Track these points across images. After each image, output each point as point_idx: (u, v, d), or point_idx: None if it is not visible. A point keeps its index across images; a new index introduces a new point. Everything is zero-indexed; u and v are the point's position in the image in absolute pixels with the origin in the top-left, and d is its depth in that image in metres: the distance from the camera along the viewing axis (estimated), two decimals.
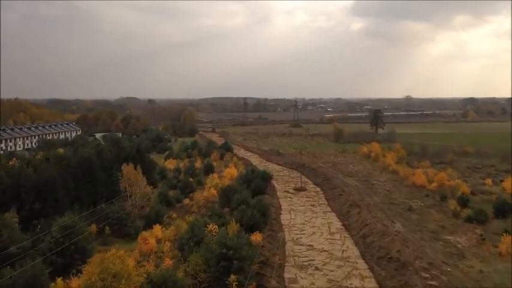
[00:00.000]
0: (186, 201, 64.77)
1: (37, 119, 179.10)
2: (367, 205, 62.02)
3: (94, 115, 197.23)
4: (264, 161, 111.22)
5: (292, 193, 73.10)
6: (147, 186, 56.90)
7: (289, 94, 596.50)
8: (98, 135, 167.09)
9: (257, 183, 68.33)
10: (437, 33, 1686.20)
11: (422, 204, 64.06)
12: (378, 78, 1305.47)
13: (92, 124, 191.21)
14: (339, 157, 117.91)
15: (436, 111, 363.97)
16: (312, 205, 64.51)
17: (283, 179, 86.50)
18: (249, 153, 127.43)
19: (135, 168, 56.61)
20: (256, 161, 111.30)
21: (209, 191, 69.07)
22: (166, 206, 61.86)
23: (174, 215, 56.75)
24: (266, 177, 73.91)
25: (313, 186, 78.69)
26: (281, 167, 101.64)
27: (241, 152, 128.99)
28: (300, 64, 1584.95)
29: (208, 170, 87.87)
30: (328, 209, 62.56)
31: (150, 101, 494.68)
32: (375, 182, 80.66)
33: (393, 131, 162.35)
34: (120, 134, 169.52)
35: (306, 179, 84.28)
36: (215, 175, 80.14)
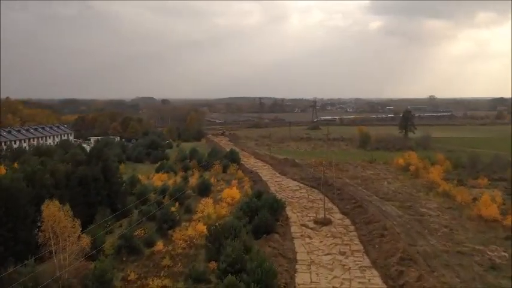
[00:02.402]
0: (160, 245, 45.19)
1: (29, 121, 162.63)
2: (425, 255, 41.74)
3: (92, 116, 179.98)
4: (277, 174, 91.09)
5: (312, 228, 52.88)
6: (85, 236, 37.23)
7: (307, 94, 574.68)
8: (93, 139, 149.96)
9: (263, 218, 48.46)
10: (458, 31, 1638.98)
11: (506, 254, 43.20)
12: (398, 78, 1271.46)
13: (89, 126, 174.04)
14: (368, 169, 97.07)
15: (467, 112, 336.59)
16: (342, 253, 44.22)
17: (300, 202, 66.30)
18: (260, 163, 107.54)
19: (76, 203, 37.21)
20: (267, 174, 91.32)
21: (196, 226, 49.54)
22: (131, 254, 42.69)
23: (132, 275, 37.27)
24: (277, 206, 53.84)
25: (341, 216, 58.27)
26: (297, 183, 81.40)
27: (250, 162, 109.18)
28: (317, 63, 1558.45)
29: (204, 190, 68.33)
30: (367, 261, 42.19)
31: (164, 101, 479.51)
32: (425, 211, 59.81)
33: (428, 136, 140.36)
34: (117, 138, 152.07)
35: (330, 204, 64.07)
36: (210, 199, 60.43)
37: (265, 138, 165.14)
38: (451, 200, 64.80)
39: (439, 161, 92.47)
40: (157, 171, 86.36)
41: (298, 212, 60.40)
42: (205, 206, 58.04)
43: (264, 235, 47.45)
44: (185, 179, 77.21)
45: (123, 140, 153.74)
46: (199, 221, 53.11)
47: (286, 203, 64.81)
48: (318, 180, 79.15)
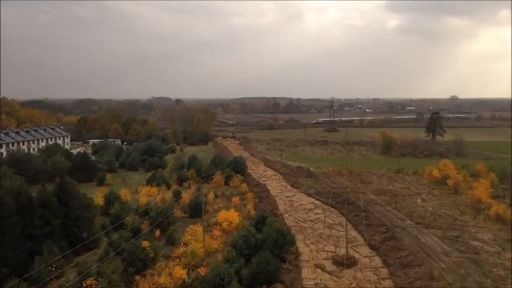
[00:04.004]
0: None
1: (26, 122, 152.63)
2: None
3: (94, 118, 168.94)
4: (288, 187, 77.63)
5: (330, 272, 39.40)
6: None
7: (324, 94, 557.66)
8: (92, 142, 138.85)
9: (263, 261, 35.22)
10: (479, 29, 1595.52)
11: None
12: (417, 77, 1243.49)
13: (90, 128, 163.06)
14: (396, 181, 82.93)
15: (495, 114, 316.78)
16: None
17: (314, 228, 52.78)
18: (270, 171, 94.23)
19: None
20: (277, 186, 77.99)
21: (173, 271, 36.56)
22: None
23: None
24: (283, 242, 40.47)
25: (368, 252, 44.57)
26: (312, 199, 67.81)
27: (259, 170, 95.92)
28: (334, 63, 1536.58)
29: (196, 212, 55.29)
30: None
31: (178, 101, 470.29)
32: (478, 245, 45.73)
33: (460, 141, 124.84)
34: (118, 141, 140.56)
35: (353, 231, 50.59)
36: (200, 226, 47.35)
37: (278, 141, 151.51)
38: (509, 228, 50.58)
39: (481, 172, 78.06)
40: (148, 183, 73.83)
41: (312, 244, 46.93)
42: (193, 236, 45.33)
43: (264, 287, 34.27)
44: (177, 195, 64.39)
45: (125, 143, 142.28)
46: (180, 259, 40.30)
47: (298, 229, 51.90)
48: (336, 196, 65.71)
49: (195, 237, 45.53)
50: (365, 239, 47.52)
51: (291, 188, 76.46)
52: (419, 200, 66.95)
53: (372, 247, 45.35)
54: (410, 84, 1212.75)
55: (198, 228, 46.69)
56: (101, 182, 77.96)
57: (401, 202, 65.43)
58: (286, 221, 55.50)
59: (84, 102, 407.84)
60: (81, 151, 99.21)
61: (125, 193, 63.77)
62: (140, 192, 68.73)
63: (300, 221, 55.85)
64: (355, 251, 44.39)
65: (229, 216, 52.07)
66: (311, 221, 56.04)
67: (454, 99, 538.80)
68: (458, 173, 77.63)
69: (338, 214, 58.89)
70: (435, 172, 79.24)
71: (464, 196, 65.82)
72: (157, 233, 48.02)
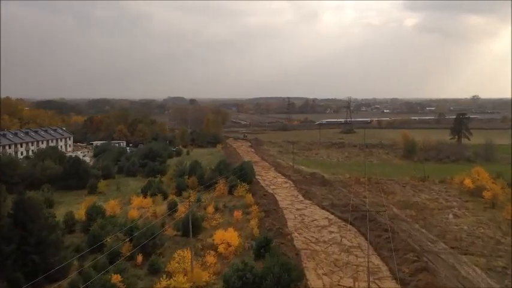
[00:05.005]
0: None
1: (29, 122, 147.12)
2: None
3: (100, 118, 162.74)
4: (300, 197, 69.11)
5: None
6: None
7: (340, 94, 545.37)
8: (95, 144, 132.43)
9: None
10: (500, 27, 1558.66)
11: None
12: (436, 76, 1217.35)
13: (96, 129, 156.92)
14: (422, 191, 73.77)
15: None
16: None
17: (328, 253, 44.23)
18: (281, 178, 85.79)
19: None
20: (287, 196, 69.58)
21: None
22: None
23: None
24: (288, 280, 32.10)
25: None
26: (326, 213, 59.20)
27: (268, 176, 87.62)
28: (351, 62, 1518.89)
29: (188, 230, 47.24)
30: None
31: (192, 101, 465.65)
32: None
33: (491, 145, 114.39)
34: (123, 143, 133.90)
35: (376, 258, 42.02)
36: (187, 252, 39.31)
37: (291, 143, 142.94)
38: None
39: None
40: (143, 192, 66.29)
41: (326, 275, 38.47)
42: (180, 263, 37.43)
43: None
44: (173, 207, 56.56)
45: (130, 145, 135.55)
46: None
47: (309, 253, 43.58)
48: (354, 209, 57.09)
49: (183, 265, 37.67)
50: (391, 270, 38.88)
51: (303, 199, 67.98)
52: (451, 216, 57.86)
53: (401, 281, 36.63)
54: (429, 84, 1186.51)
55: (188, 253, 38.75)
56: (93, 190, 70.82)
57: (430, 218, 56.48)
58: (295, 241, 47.28)
59: (98, 102, 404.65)
60: (74, 155, 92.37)
61: (113, 205, 56.39)
62: (132, 203, 61.07)
63: (311, 242, 47.46)
64: (379, 286, 35.85)
65: (228, 237, 44.01)
66: (324, 242, 47.52)
67: (475, 99, 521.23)
68: (494, 183, 68.16)
69: (356, 233, 50.36)
70: (468, 182, 69.76)
71: (505, 212, 56.41)
72: (140, 258, 40.25)
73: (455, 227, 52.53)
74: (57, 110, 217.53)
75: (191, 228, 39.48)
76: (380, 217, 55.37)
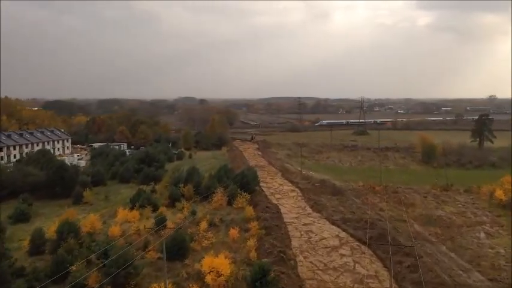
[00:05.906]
0: None
1: (28, 123, 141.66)
2: None
3: (103, 119, 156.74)
4: (308, 209, 61.49)
5: None
6: None
7: (353, 94, 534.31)
8: (96, 146, 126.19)
9: None
10: None
11: None
12: (450, 76, 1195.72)
13: (97, 130, 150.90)
14: (445, 202, 65.56)
15: None
16: None
17: (338, 285, 36.61)
18: (287, 186, 78.29)
19: None
20: (293, 208, 62.01)
21: None
22: None
23: None
24: None
25: None
26: (337, 230, 51.47)
27: (274, 183, 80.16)
28: (363, 62, 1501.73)
29: (176, 252, 40.01)
30: None
31: (202, 101, 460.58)
32: None
33: None
34: (123, 145, 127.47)
35: None
36: (170, 285, 32.05)
37: (300, 146, 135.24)
38: None
39: None
40: (132, 203, 59.27)
41: None
42: None
43: None
44: (161, 222, 49.36)
45: (132, 147, 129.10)
46: None
47: (315, 285, 35.99)
48: (370, 225, 49.42)
49: None
50: None
51: (311, 211, 60.34)
52: (482, 235, 49.79)
53: None
54: (443, 83, 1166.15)
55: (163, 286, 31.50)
56: (78, 200, 64.05)
57: (458, 238, 48.48)
58: (299, 268, 39.82)
59: (108, 102, 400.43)
60: (66, 158, 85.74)
61: (92, 221, 49.28)
62: (117, 216, 54.04)
63: (318, 268, 39.87)
64: None
65: (218, 264, 36.52)
66: (334, 269, 39.86)
67: (492, 99, 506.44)
68: None
69: (372, 257, 42.66)
70: (499, 193, 61.34)
71: None
72: None
73: (490, 250, 44.49)
74: (63, 110, 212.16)
75: (164, 257, 32.15)
76: (399, 236, 47.67)
